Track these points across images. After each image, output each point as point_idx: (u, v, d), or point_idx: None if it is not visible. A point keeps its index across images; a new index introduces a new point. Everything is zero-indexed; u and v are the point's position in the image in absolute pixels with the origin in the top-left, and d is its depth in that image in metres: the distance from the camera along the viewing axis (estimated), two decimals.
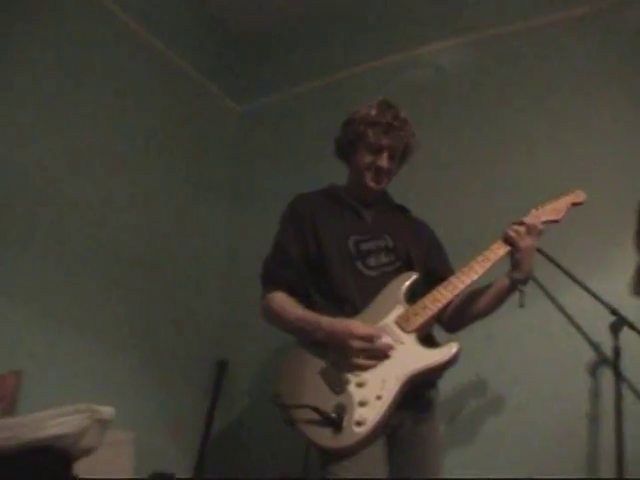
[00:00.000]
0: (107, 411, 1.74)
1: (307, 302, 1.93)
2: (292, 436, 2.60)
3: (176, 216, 3.28)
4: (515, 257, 1.90)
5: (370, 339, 1.76)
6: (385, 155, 2.03)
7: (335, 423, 1.67)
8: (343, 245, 1.97)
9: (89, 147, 2.83)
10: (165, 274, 3.15)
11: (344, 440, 1.67)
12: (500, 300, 1.96)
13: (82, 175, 2.79)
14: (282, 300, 1.94)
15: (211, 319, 3.38)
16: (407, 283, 1.92)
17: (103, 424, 1.75)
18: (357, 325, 1.79)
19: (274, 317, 1.96)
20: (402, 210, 2.21)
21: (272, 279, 1.99)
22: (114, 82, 3.01)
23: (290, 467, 2.74)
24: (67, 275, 2.63)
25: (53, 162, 2.66)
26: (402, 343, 1.79)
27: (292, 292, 1.95)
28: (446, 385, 2.04)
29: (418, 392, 1.82)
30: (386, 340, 1.78)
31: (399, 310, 1.85)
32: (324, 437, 1.68)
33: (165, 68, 3.36)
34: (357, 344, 1.76)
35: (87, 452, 1.81)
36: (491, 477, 2.35)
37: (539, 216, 1.94)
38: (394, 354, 1.77)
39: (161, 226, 3.17)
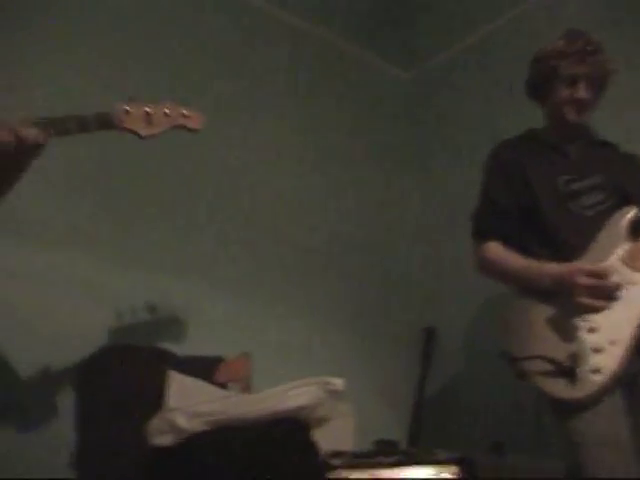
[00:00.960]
0: (338, 383, 1.83)
1: (522, 252, 1.87)
2: (507, 400, 2.55)
3: (371, 190, 3.35)
4: None
5: (598, 275, 1.68)
6: (582, 85, 1.90)
7: (570, 373, 1.61)
8: (554, 187, 1.88)
9: (275, 137, 3.00)
10: (369, 248, 3.22)
11: (581, 390, 1.61)
12: None
13: (279, 167, 2.98)
14: (498, 251, 1.90)
15: (416, 287, 3.39)
16: (628, 218, 1.79)
17: (335, 395, 1.84)
18: (583, 264, 1.72)
19: (492, 269, 1.93)
20: (608, 144, 2.07)
21: (485, 231, 1.96)
22: (278, 73, 3.12)
23: (507, 432, 2.68)
24: (281, 260, 2.84)
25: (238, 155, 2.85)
26: (633, 283, 1.68)
27: (506, 242, 1.90)
28: None
29: None
30: (615, 279, 1.68)
31: (624, 248, 1.74)
32: (559, 388, 1.63)
33: (329, 53, 3.40)
34: (585, 282, 1.67)
35: (321, 422, 1.92)
36: None
37: None
38: (625, 295, 1.66)
39: (359, 203, 3.27)
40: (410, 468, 2.16)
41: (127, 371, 2.04)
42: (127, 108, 1.50)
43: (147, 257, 2.46)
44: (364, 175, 3.35)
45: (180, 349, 2.31)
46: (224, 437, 1.70)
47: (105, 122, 1.48)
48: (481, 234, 1.96)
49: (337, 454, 2.27)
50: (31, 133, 1.37)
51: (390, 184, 3.47)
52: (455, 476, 2.16)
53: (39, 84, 2.30)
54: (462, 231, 2.05)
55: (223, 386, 2.18)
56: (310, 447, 1.83)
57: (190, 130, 1.58)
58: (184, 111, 1.56)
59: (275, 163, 2.99)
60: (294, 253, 2.90)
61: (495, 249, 1.91)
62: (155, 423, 1.71)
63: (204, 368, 2.20)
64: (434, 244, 3.42)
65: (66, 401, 2.08)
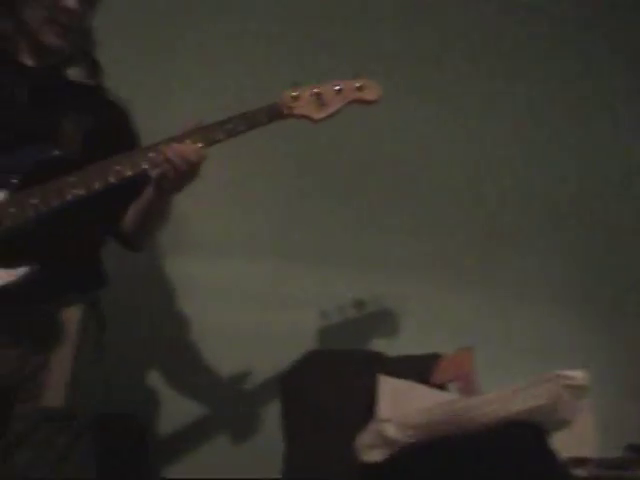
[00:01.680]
0: (579, 376, 1.56)
1: None
2: None
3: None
4: None
5: None
6: None
7: None
8: None
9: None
10: (597, 203, 2.80)
11: None
12: None
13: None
14: None
15: None
16: None
17: (576, 391, 1.58)
18: None
19: None
20: None
21: None
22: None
23: None
24: (495, 244, 2.60)
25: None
26: None
27: None
28: None
29: None
30: None
31: None
32: None
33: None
34: None
35: (561, 424, 1.67)
36: None
37: None
38: None
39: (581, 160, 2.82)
40: None
41: (334, 377, 1.99)
42: (294, 94, 1.40)
43: (352, 256, 2.40)
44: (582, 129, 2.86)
45: (391, 349, 2.22)
46: (443, 448, 1.53)
47: (274, 113, 1.40)
48: None
49: (580, 462, 1.99)
50: (201, 155, 1.33)
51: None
52: None
53: (195, 86, 2.31)
54: None
55: (442, 387, 2.03)
56: (549, 455, 1.59)
57: (368, 103, 1.44)
58: (357, 84, 1.42)
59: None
60: (506, 236, 2.64)
61: None
62: (365, 436, 1.59)
63: (419, 368, 2.06)
64: None
65: (273, 409, 2.12)
